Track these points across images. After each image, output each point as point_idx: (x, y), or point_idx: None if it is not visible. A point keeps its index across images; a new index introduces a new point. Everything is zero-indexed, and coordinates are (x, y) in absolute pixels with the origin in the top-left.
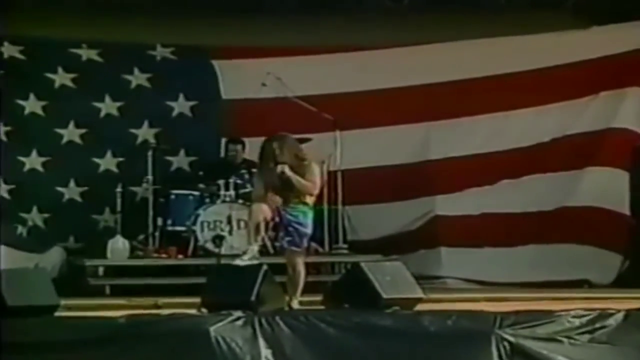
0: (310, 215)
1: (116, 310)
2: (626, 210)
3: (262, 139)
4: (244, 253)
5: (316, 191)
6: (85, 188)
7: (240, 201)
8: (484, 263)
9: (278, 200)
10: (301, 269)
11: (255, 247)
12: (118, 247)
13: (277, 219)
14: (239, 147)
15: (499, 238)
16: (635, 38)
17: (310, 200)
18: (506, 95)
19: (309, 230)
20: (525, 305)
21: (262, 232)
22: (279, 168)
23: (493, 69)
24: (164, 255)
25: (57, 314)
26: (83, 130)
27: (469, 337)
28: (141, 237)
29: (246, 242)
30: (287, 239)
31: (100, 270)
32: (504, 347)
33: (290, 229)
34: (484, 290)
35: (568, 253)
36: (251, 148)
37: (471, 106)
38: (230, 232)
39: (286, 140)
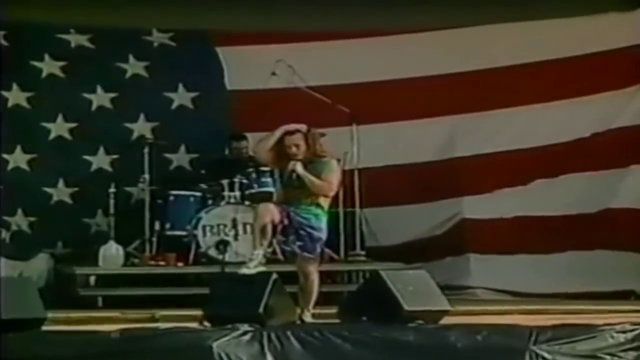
0: (324, 218)
1: (109, 324)
2: None
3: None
4: (251, 260)
5: (332, 192)
6: (75, 189)
7: (247, 203)
8: (517, 272)
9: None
10: (314, 278)
11: (260, 252)
12: (111, 254)
13: (286, 222)
14: (244, 143)
15: (534, 244)
16: None
17: (324, 202)
18: (542, 85)
19: (322, 234)
20: (563, 319)
21: (269, 236)
22: (291, 165)
23: (527, 56)
24: (162, 263)
25: (43, 328)
26: (73, 125)
27: (501, 354)
28: (137, 242)
29: (252, 247)
30: (298, 243)
31: (92, 280)
32: None
33: (302, 232)
34: (518, 302)
35: (611, 260)
36: None
37: (503, 97)
38: (235, 237)
39: (309, 133)
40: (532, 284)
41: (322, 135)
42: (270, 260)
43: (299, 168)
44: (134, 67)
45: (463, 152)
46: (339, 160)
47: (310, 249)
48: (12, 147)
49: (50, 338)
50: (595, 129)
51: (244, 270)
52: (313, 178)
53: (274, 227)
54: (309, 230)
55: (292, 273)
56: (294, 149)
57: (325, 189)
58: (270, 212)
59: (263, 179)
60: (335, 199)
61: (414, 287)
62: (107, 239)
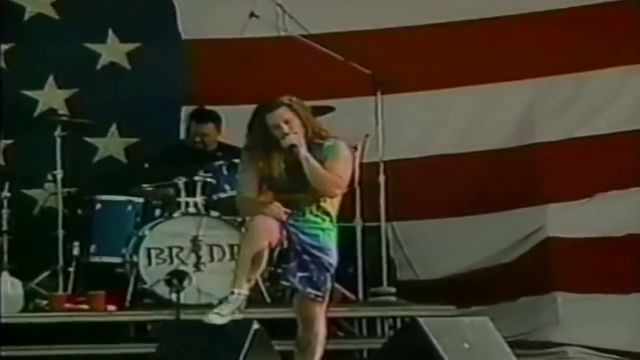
0: (334, 234)
1: None
2: None
3: (251, 107)
4: (222, 302)
5: (339, 190)
6: None
7: (215, 213)
8: (630, 320)
9: (279, 209)
10: (321, 328)
11: (243, 293)
12: (4, 293)
13: (284, 243)
14: (210, 126)
15: None
16: None
17: (331, 207)
18: None
19: (333, 259)
20: None
21: (262, 268)
22: (288, 139)
23: None
24: (83, 306)
25: None
26: None
27: None
28: (44, 274)
29: (228, 283)
30: (301, 275)
31: None
32: None
33: (306, 258)
34: None
35: None
36: (233, 124)
37: (611, 52)
38: (197, 267)
39: (298, 105)
40: None
41: (329, 109)
42: (251, 301)
43: (304, 150)
44: (35, 4)
45: (547, 136)
46: (355, 148)
47: (318, 282)
48: None
49: None
50: None
51: (211, 318)
52: (317, 165)
53: (271, 251)
54: (317, 253)
55: (283, 321)
56: (284, 127)
57: (331, 184)
58: (269, 231)
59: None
60: (346, 206)
61: (470, 344)
62: None
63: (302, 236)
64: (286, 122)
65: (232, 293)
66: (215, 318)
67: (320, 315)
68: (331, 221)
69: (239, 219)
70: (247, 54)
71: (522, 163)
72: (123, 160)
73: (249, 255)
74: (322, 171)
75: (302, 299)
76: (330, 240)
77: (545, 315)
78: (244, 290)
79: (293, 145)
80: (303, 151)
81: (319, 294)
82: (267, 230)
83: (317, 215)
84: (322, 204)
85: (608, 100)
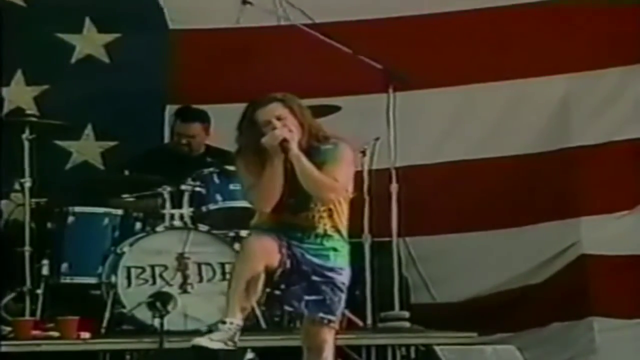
0: (346, 251)
1: None
2: None
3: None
4: (212, 330)
5: (334, 195)
6: None
7: (204, 227)
8: None
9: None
10: (329, 356)
11: (236, 322)
12: None
13: (287, 264)
14: (197, 126)
15: None
16: None
17: (342, 224)
18: None
19: (347, 279)
20: None
21: (258, 294)
22: (278, 133)
23: None
24: (53, 334)
25: None
26: None
27: None
28: (9, 297)
29: (218, 307)
30: (309, 298)
31: None
32: None
33: (317, 279)
34: None
35: None
36: (225, 125)
37: None
38: (183, 288)
39: (293, 102)
40: None
41: (335, 109)
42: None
43: (294, 147)
44: None
45: (583, 139)
46: (363, 153)
47: (332, 305)
48: None
49: None
50: None
51: (200, 341)
52: (309, 165)
53: (269, 274)
54: (329, 274)
55: (281, 350)
56: (276, 124)
57: (325, 188)
58: (267, 252)
59: (232, 187)
60: (354, 219)
61: None
62: None
63: (309, 257)
64: (278, 118)
65: (224, 322)
66: (205, 341)
67: (330, 341)
68: (341, 236)
69: (231, 234)
70: (242, 46)
71: (554, 170)
72: (99, 167)
73: (244, 280)
74: (315, 173)
75: (310, 324)
76: (342, 258)
77: (580, 343)
78: (237, 320)
79: (284, 140)
80: (294, 148)
81: (333, 318)
82: (265, 251)
83: (324, 236)
84: (327, 222)
85: None
